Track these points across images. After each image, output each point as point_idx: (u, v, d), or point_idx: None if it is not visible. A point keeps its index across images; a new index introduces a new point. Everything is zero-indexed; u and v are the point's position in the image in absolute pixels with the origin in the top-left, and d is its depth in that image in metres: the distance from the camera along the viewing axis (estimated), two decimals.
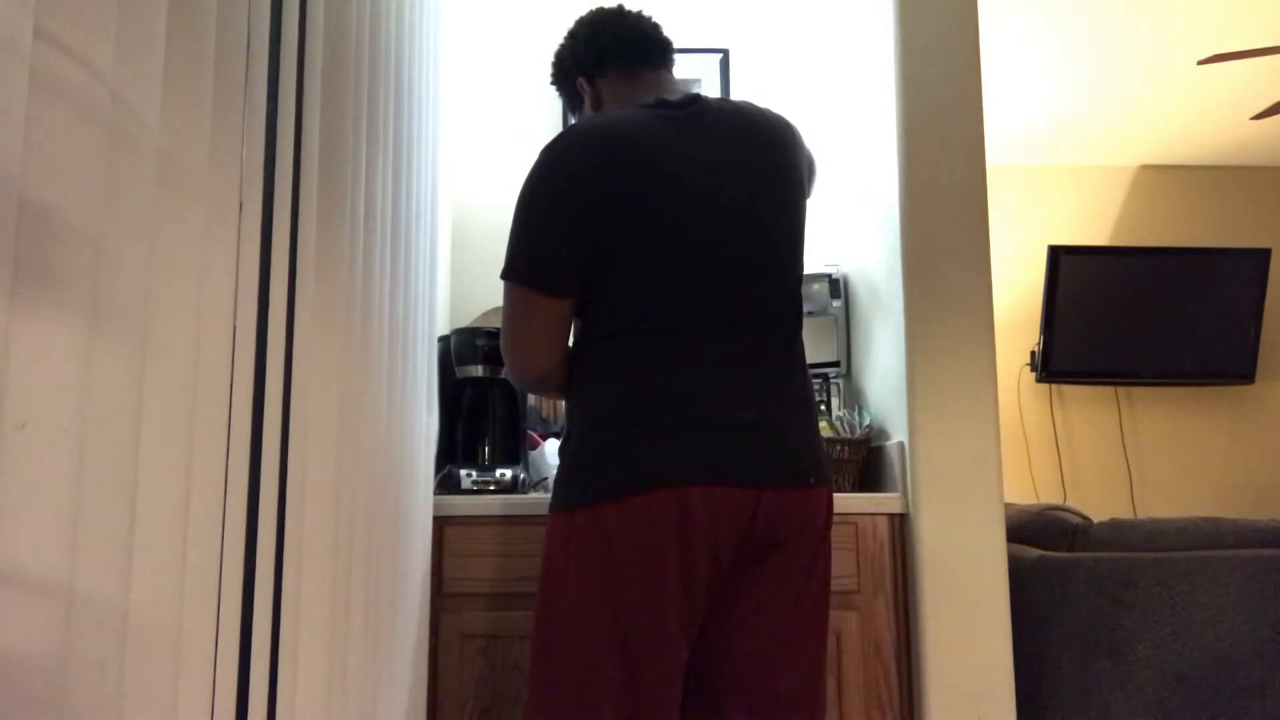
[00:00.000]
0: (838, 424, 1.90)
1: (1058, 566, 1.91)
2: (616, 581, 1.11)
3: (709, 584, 1.14)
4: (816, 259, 2.11)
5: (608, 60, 1.40)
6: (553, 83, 1.50)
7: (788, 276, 1.26)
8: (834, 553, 1.63)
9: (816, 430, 1.25)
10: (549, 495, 1.73)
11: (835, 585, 1.64)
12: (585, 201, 1.17)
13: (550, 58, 1.51)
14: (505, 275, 1.22)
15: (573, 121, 1.46)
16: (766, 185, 1.24)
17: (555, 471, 1.26)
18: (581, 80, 1.43)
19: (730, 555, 1.15)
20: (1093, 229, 3.63)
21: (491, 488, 1.74)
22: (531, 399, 2.07)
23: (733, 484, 1.13)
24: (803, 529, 1.19)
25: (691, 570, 1.11)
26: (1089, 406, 3.54)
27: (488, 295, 2.23)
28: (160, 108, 0.53)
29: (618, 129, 1.21)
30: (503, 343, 1.27)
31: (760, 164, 1.24)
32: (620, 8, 1.44)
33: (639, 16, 1.42)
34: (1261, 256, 3.43)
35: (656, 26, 1.42)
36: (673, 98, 1.28)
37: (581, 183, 1.18)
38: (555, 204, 1.19)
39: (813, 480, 1.20)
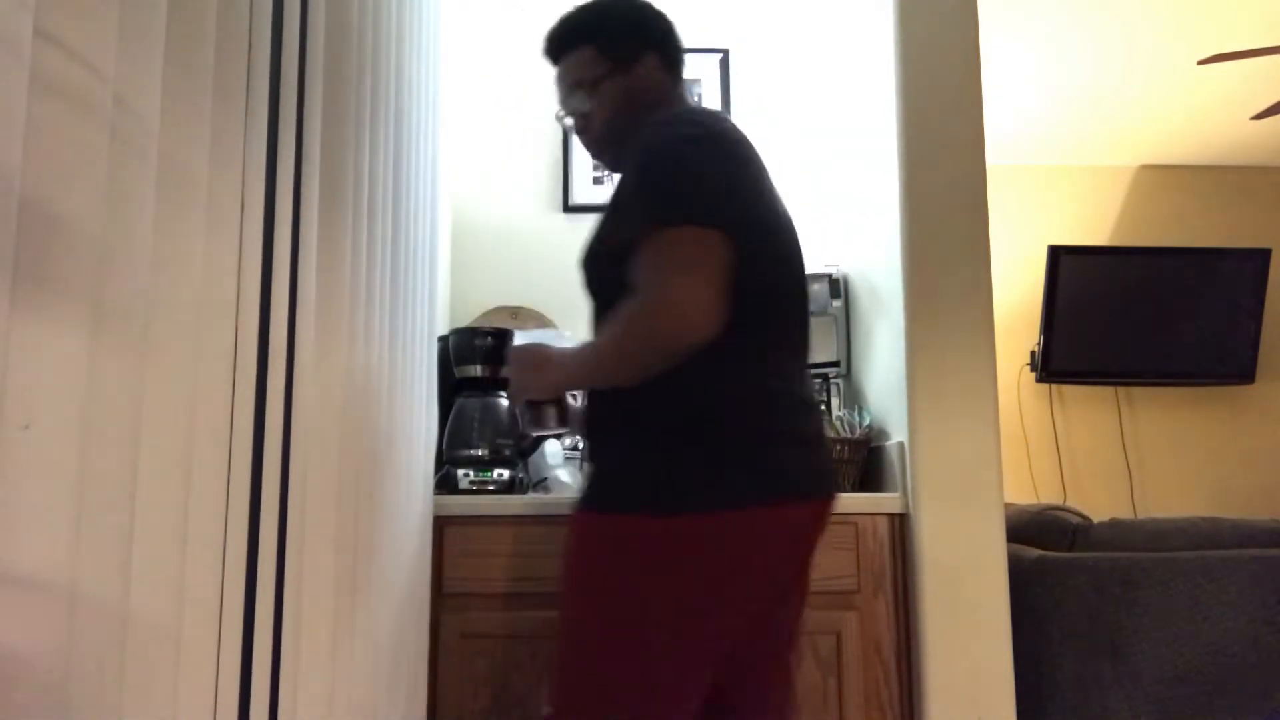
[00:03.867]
0: (838, 424, 1.90)
1: (1058, 566, 1.91)
2: (726, 595, 1.07)
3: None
4: (816, 259, 2.11)
5: (665, 48, 1.31)
6: (602, 30, 1.32)
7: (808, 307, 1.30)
8: (834, 552, 1.65)
9: None
10: (548, 495, 1.74)
11: (835, 585, 1.64)
12: (746, 176, 1.13)
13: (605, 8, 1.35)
14: (683, 219, 1.05)
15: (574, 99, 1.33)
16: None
17: (611, 469, 1.14)
18: (644, 52, 1.30)
19: (802, 565, 1.19)
20: (1093, 229, 3.63)
21: (490, 488, 1.74)
22: None
23: (821, 497, 1.15)
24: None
25: (784, 583, 1.14)
26: (1089, 406, 3.54)
27: (488, 295, 2.23)
28: (160, 108, 0.53)
29: (741, 132, 1.20)
30: (664, 298, 1.02)
31: None
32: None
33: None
34: (1261, 256, 3.43)
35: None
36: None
37: (742, 159, 1.14)
38: (735, 157, 1.13)
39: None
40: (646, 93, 1.30)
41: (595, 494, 1.13)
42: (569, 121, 1.35)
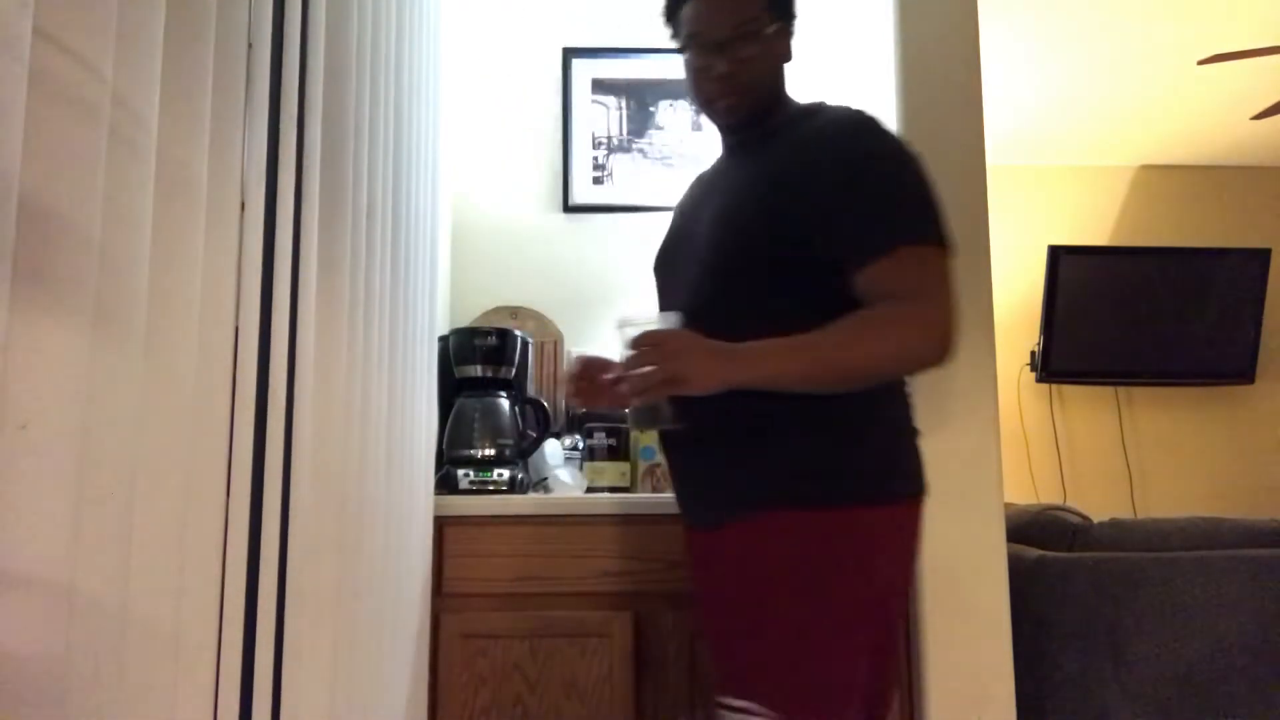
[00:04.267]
0: None
1: (1058, 566, 1.91)
2: (908, 579, 1.18)
3: None
4: None
5: (793, 33, 1.35)
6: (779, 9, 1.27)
7: None
8: None
9: None
10: (548, 495, 1.74)
11: None
12: None
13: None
14: (938, 240, 1.11)
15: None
16: None
17: (819, 463, 1.11)
18: (791, 26, 1.32)
19: None
20: (1093, 229, 3.62)
21: (490, 488, 1.74)
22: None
23: None
24: None
25: None
26: (1089, 406, 3.54)
27: (488, 295, 2.23)
28: (160, 108, 0.53)
29: None
30: (944, 321, 1.06)
31: None
32: None
33: None
34: (1261, 256, 3.43)
35: None
36: None
37: None
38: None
39: None
40: (784, 67, 1.32)
41: (812, 489, 1.09)
42: (712, 64, 1.21)
